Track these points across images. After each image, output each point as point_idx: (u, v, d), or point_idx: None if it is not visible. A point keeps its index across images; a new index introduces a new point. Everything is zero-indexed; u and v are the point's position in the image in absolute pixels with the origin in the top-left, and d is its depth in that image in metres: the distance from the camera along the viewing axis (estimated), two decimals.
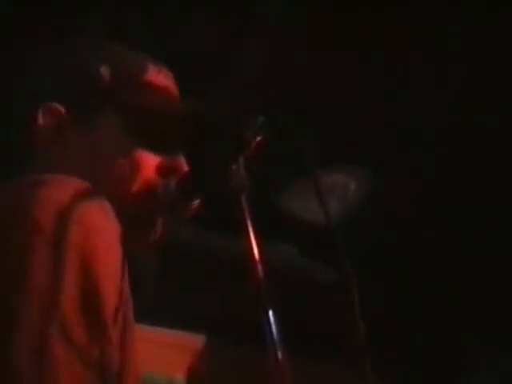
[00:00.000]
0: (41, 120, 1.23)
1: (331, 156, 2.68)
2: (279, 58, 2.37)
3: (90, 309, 0.99)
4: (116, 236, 1.06)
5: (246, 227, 1.08)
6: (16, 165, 1.24)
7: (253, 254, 1.06)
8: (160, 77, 1.27)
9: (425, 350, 3.63)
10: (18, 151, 1.25)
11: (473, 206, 3.14)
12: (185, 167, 1.25)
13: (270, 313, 1.02)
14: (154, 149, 1.23)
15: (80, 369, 0.96)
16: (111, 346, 0.99)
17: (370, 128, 2.75)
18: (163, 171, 1.23)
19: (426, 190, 3.07)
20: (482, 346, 3.70)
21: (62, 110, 1.23)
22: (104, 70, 1.24)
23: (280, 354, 0.99)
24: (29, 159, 1.24)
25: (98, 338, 0.98)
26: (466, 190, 3.05)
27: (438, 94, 2.66)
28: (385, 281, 3.25)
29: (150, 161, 1.23)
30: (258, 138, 1.14)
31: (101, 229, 1.04)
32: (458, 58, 2.55)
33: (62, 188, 1.05)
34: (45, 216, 1.01)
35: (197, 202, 1.22)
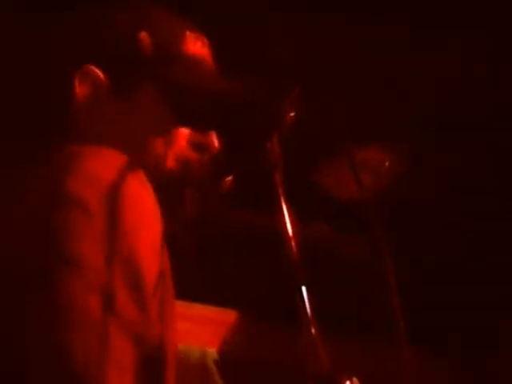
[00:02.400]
0: (78, 84, 1.20)
1: (366, 132, 2.67)
2: (314, 33, 2.35)
3: (133, 284, 0.97)
4: (156, 210, 1.05)
5: (280, 203, 1.08)
6: (51, 132, 1.21)
7: (286, 230, 1.06)
8: (197, 45, 1.25)
9: (460, 326, 3.62)
10: (53, 118, 1.22)
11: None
12: (216, 143, 1.24)
13: (304, 289, 1.02)
14: (188, 123, 1.22)
15: (124, 342, 0.95)
16: (151, 320, 0.98)
17: (406, 105, 2.72)
18: (196, 146, 1.23)
19: (461, 169, 3.04)
20: None
21: (101, 74, 1.21)
22: (144, 38, 1.21)
23: (314, 330, 0.99)
24: (63, 126, 1.21)
25: (140, 312, 0.97)
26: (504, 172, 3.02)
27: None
28: (418, 257, 3.23)
29: (183, 134, 1.22)
30: (292, 114, 1.13)
31: (142, 203, 1.03)
32: None
33: (100, 160, 1.04)
34: (84, 190, 1.00)
35: (230, 178, 1.22)
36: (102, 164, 1.03)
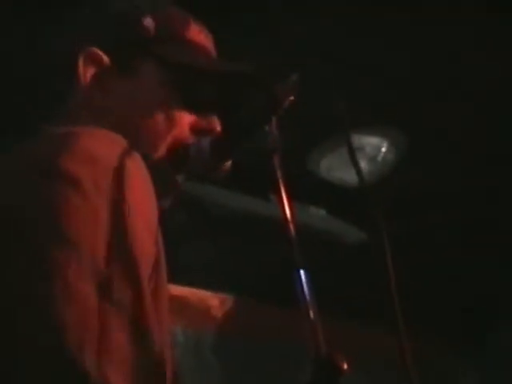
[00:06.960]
0: (81, 66, 1.21)
1: (364, 117, 2.66)
2: (313, 18, 2.35)
3: (130, 268, 0.96)
4: (152, 192, 1.04)
5: (278, 188, 1.08)
6: (53, 113, 1.22)
7: (285, 214, 1.06)
8: (201, 36, 1.27)
9: (454, 306, 3.64)
10: (57, 99, 1.23)
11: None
12: (218, 128, 1.24)
13: (302, 272, 1.02)
14: (190, 106, 1.23)
15: (121, 331, 0.92)
16: (146, 306, 0.96)
17: (403, 89, 2.72)
18: (197, 130, 1.23)
19: (459, 152, 3.05)
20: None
21: (104, 56, 1.22)
22: (148, 21, 1.22)
23: (312, 314, 0.99)
24: (67, 107, 1.22)
25: (136, 298, 0.95)
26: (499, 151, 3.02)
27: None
28: (414, 240, 3.25)
29: (185, 118, 1.23)
30: (291, 98, 1.13)
31: (138, 185, 1.02)
32: None
33: (96, 140, 1.03)
34: (78, 168, 0.98)
35: (229, 162, 1.22)
36: (98, 144, 1.02)
